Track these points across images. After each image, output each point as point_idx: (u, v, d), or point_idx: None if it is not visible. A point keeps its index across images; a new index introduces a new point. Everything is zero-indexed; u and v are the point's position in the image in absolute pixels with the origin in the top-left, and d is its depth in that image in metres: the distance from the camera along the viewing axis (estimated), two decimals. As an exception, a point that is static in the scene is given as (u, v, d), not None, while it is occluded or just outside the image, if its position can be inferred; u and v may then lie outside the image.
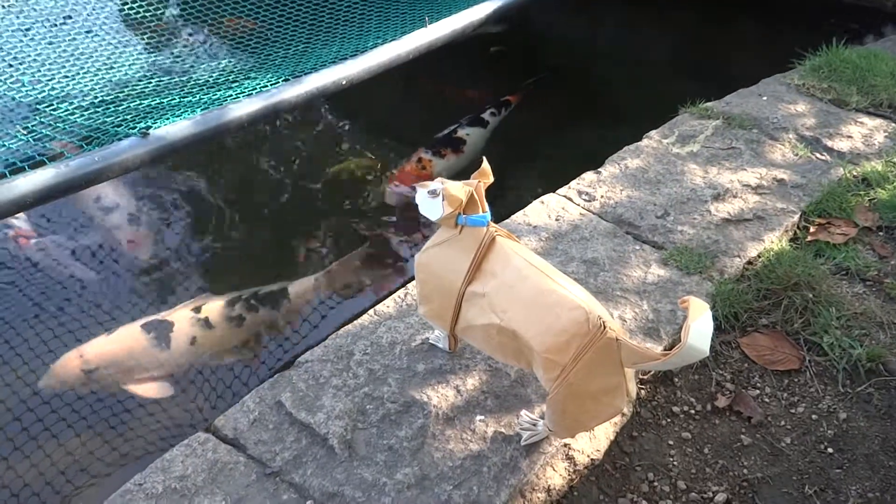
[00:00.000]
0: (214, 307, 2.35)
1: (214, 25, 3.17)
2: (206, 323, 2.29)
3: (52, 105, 2.40)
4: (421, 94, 3.80)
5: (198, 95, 2.48)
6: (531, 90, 3.62)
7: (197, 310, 2.33)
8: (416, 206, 1.40)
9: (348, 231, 2.88)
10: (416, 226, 2.85)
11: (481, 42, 4.03)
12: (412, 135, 3.44)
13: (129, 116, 2.28)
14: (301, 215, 3.07)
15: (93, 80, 2.63)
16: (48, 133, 2.21)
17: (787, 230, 2.09)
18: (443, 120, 3.48)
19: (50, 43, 2.83)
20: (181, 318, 2.30)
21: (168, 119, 2.15)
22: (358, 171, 3.26)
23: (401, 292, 1.83)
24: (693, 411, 1.64)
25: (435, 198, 1.36)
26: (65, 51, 2.80)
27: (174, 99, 2.46)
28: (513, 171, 3.17)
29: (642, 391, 1.67)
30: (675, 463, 1.53)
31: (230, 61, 2.98)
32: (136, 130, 2.04)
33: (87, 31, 3.02)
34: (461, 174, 2.83)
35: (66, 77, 2.61)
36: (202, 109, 2.20)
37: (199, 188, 3.17)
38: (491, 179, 1.40)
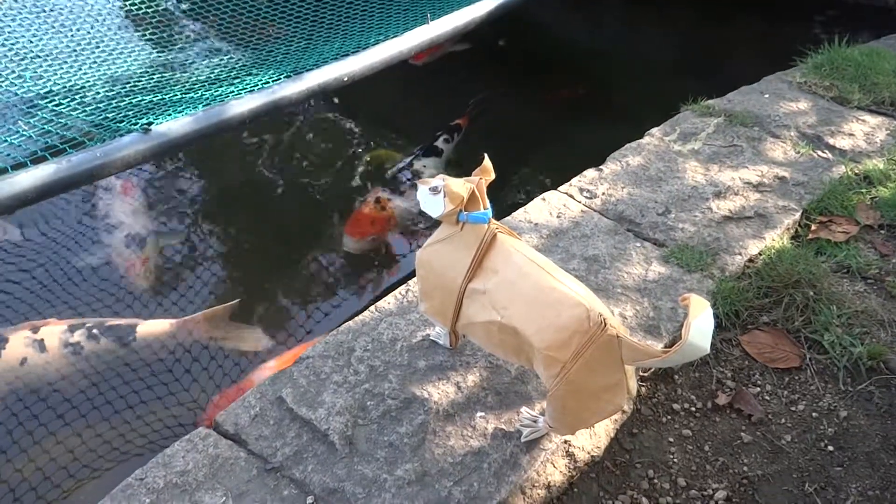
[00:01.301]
0: (53, 331, 2.22)
1: (242, 28, 3.14)
2: (41, 345, 2.16)
3: (55, 101, 2.40)
4: (422, 89, 3.80)
5: (199, 91, 2.49)
6: (478, 111, 3.57)
7: (35, 330, 2.20)
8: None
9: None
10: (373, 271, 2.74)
11: (489, 37, 4.04)
12: (414, 131, 3.44)
13: (130, 112, 2.29)
14: (306, 216, 3.07)
15: (95, 75, 2.63)
16: (50, 128, 2.21)
17: (789, 228, 2.09)
18: (444, 117, 3.49)
19: (52, 38, 2.83)
20: (17, 336, 2.18)
21: (170, 115, 2.15)
22: (386, 161, 3.23)
23: (402, 289, 1.83)
24: (693, 409, 1.64)
25: (436, 194, 1.37)
26: (67, 46, 2.80)
27: (176, 95, 2.46)
28: (514, 168, 3.17)
29: (643, 388, 1.67)
30: (675, 460, 1.54)
31: (232, 57, 2.98)
32: (137, 126, 2.04)
33: (90, 27, 3.02)
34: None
35: (69, 73, 2.61)
36: (204, 106, 2.21)
37: (203, 187, 3.17)
38: (492, 176, 1.40)
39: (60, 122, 2.24)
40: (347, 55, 2.49)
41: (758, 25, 4.18)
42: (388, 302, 1.79)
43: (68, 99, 2.42)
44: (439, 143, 3.26)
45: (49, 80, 2.54)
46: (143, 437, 2.10)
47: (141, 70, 2.80)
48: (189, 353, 2.33)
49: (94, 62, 2.74)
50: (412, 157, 3.17)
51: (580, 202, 2.15)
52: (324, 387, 1.56)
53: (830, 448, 1.56)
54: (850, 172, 2.32)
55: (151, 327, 2.34)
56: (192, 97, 2.43)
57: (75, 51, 2.79)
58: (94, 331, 2.24)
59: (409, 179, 3.04)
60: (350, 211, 2.96)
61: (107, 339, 2.24)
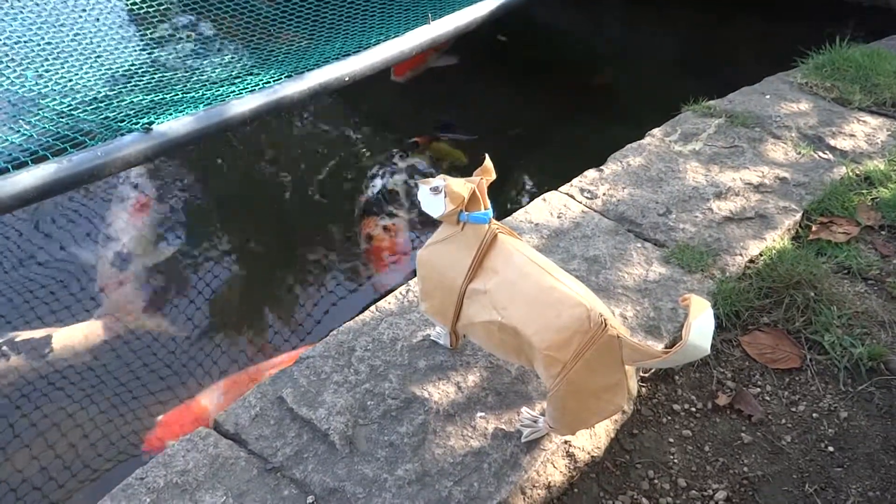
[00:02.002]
0: None
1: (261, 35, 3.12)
2: None
3: (56, 100, 2.40)
4: (422, 90, 3.80)
5: (200, 91, 2.49)
6: (437, 136, 3.51)
7: None
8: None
9: (354, 232, 2.88)
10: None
11: (488, 37, 4.04)
12: (414, 132, 3.44)
13: (132, 111, 2.29)
14: (306, 216, 3.07)
15: (96, 74, 2.63)
16: (51, 128, 2.21)
17: (789, 229, 2.09)
18: (445, 116, 3.48)
19: (54, 37, 2.83)
20: None
21: (171, 114, 2.15)
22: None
23: (402, 289, 1.83)
24: (694, 409, 1.64)
25: (437, 194, 1.37)
26: (69, 45, 2.80)
27: (177, 94, 2.46)
28: (515, 169, 3.17)
29: (643, 389, 1.67)
30: (675, 460, 1.54)
31: (233, 57, 2.98)
32: (138, 126, 2.05)
33: (92, 26, 3.02)
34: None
35: (70, 72, 2.61)
36: (205, 105, 2.21)
37: (203, 188, 3.17)
38: (493, 176, 1.40)
39: (61, 122, 2.24)
40: (349, 55, 2.49)
41: (758, 26, 4.18)
42: (389, 302, 1.79)
43: (69, 98, 2.42)
44: (396, 160, 3.24)
45: (50, 79, 2.54)
46: (144, 434, 2.11)
47: (142, 69, 2.80)
48: (184, 349, 2.33)
49: (96, 61, 2.74)
50: (383, 179, 3.14)
51: (581, 202, 2.15)
52: (324, 386, 1.56)
53: (831, 449, 1.56)
54: (850, 173, 2.32)
55: (66, 334, 2.30)
56: (193, 96, 2.43)
57: (77, 50, 2.78)
58: (4, 348, 2.20)
59: (394, 200, 3.02)
60: (350, 211, 2.96)
61: (19, 356, 2.19)
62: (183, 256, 2.76)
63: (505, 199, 2.98)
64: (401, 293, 1.81)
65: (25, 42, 2.76)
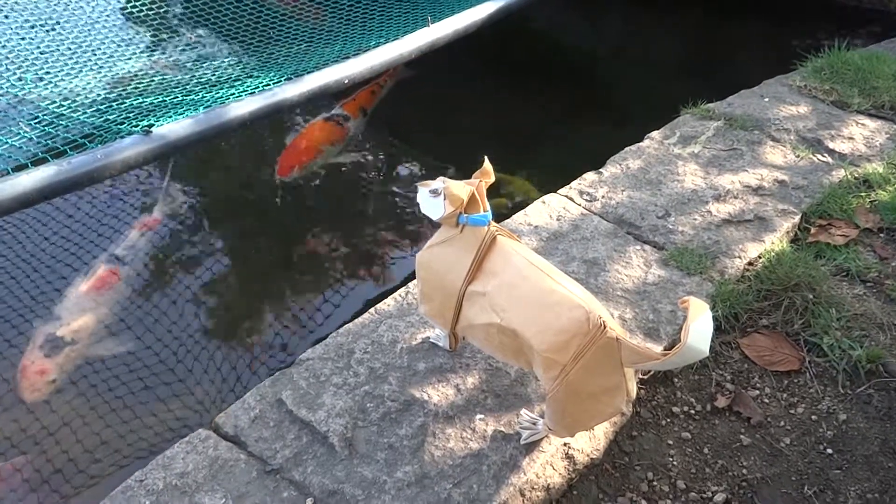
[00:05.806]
0: None
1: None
2: None
3: (56, 102, 2.41)
4: (422, 90, 3.80)
5: (200, 94, 2.49)
6: None
7: None
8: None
9: (353, 235, 2.88)
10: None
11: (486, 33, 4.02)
12: (414, 132, 3.44)
13: (131, 114, 2.29)
14: (305, 218, 3.07)
15: (96, 77, 2.64)
16: (51, 130, 2.22)
17: (788, 231, 2.09)
18: (444, 118, 3.48)
19: (53, 40, 2.83)
20: None
21: (170, 117, 2.16)
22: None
23: (402, 291, 1.83)
24: (693, 411, 1.64)
25: (436, 197, 1.37)
26: (68, 48, 2.80)
27: (177, 97, 2.47)
28: (514, 171, 3.17)
29: (642, 391, 1.67)
30: (674, 463, 1.54)
31: (233, 60, 2.98)
32: (138, 128, 2.05)
33: (91, 29, 3.02)
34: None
35: (70, 74, 2.62)
36: (204, 107, 2.21)
37: (201, 190, 3.17)
38: (492, 178, 1.40)
39: (61, 124, 2.25)
40: (348, 58, 2.49)
41: (759, 28, 4.19)
42: (388, 304, 1.79)
43: (69, 101, 2.43)
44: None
45: (50, 82, 2.54)
46: (142, 439, 2.11)
47: (142, 72, 2.80)
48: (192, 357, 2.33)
49: (96, 64, 2.75)
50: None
51: (580, 205, 2.15)
52: (323, 389, 1.57)
53: (829, 451, 1.56)
54: (849, 176, 2.32)
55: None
56: (193, 99, 2.43)
57: (76, 53, 2.79)
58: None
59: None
60: (347, 214, 2.96)
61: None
62: (179, 259, 2.76)
63: (504, 202, 2.98)
64: (400, 295, 1.81)
65: (25, 45, 2.77)
